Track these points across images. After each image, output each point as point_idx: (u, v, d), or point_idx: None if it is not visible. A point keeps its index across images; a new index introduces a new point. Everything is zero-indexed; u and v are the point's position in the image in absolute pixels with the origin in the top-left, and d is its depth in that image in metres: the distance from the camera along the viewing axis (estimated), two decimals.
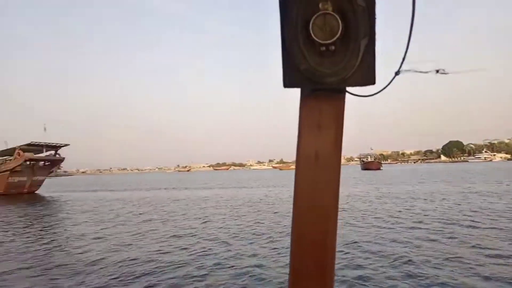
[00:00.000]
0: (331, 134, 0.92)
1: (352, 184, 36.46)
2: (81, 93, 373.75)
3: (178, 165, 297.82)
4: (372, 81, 0.85)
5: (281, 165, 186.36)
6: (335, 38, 0.80)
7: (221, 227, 13.69)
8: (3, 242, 12.68)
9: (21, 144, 41.74)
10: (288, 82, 0.86)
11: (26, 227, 15.73)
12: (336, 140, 0.92)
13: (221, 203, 22.98)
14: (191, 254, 9.65)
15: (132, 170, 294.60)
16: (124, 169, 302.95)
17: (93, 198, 31.67)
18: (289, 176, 55.74)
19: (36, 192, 43.88)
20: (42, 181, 45.39)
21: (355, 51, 0.82)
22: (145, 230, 13.54)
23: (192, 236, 12.28)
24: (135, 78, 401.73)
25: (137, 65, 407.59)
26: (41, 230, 14.66)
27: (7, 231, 14.79)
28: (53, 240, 12.45)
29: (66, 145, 45.50)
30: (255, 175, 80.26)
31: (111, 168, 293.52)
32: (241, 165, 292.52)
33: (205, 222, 15.17)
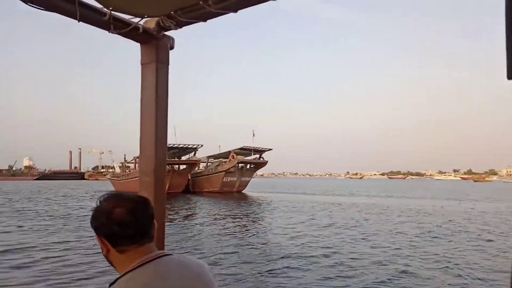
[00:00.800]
0: None
1: None
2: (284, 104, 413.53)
3: (348, 172, 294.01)
4: None
5: (473, 176, 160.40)
6: None
7: None
8: (235, 231, 13.30)
9: (234, 148, 46.91)
10: None
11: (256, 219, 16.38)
12: None
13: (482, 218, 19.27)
14: None
15: (303, 175, 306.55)
16: (295, 173, 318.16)
17: (296, 200, 32.27)
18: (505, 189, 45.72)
19: (242, 191, 48.52)
20: (248, 181, 49.98)
21: None
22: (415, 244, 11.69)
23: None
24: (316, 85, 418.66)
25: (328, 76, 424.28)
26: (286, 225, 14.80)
27: (234, 221, 15.65)
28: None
29: (269, 149, 48.96)
30: (451, 187, 70.11)
31: (284, 172, 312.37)
32: (418, 174, 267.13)
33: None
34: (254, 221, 17.35)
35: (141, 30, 1.72)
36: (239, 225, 16.12)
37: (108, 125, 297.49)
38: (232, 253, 10.31)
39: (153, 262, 1.05)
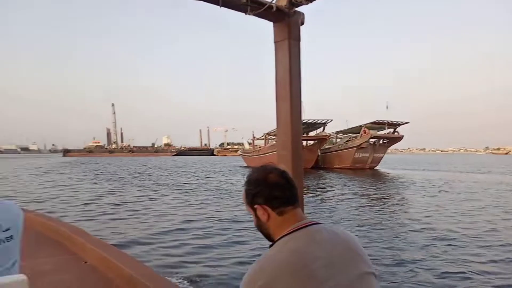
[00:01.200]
0: None
1: None
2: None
3: (487, 147, 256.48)
4: None
5: None
6: None
7: None
8: (410, 218, 10.77)
9: (366, 122, 43.73)
10: None
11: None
12: None
13: None
14: None
15: (433, 151, 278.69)
16: (422, 149, 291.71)
17: (447, 178, 27.40)
18: None
19: (375, 168, 45.23)
20: (381, 158, 46.45)
21: None
22: None
23: None
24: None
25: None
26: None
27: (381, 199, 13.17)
28: None
29: (406, 122, 44.29)
30: None
31: (409, 148, 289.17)
32: None
33: None
34: (426, 206, 14.63)
35: (274, 9, 1.76)
36: (408, 211, 13.86)
37: (230, 105, 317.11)
38: (432, 245, 8.46)
39: (307, 228, 1.08)
